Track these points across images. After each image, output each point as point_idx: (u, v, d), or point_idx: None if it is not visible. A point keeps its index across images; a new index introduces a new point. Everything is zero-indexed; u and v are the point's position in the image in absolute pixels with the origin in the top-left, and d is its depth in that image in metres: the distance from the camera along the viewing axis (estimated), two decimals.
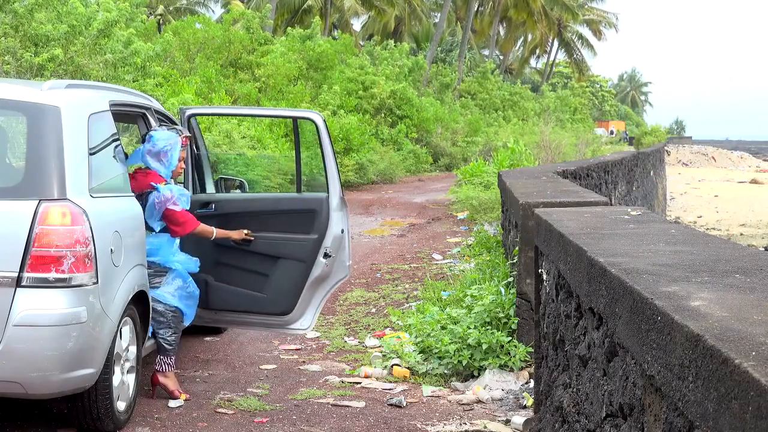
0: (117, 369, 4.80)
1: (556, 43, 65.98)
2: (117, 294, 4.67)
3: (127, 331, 4.93)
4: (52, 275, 4.25)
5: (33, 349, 4.23)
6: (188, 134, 5.79)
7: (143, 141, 5.66)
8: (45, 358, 4.25)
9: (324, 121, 6.15)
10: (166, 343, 5.50)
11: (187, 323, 5.72)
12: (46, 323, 4.23)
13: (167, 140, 5.56)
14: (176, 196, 5.48)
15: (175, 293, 5.55)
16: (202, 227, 5.68)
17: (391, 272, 10.68)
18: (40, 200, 4.31)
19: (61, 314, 4.25)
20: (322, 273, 5.98)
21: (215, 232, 5.77)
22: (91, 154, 4.72)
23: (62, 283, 4.27)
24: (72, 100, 4.76)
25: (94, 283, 4.41)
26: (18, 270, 4.23)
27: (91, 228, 4.39)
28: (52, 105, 4.56)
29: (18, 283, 4.23)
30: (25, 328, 4.21)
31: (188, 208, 5.60)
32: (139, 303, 5.09)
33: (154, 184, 5.48)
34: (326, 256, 5.98)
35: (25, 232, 4.25)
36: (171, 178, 5.63)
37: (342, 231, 6.04)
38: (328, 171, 6.05)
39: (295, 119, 6.57)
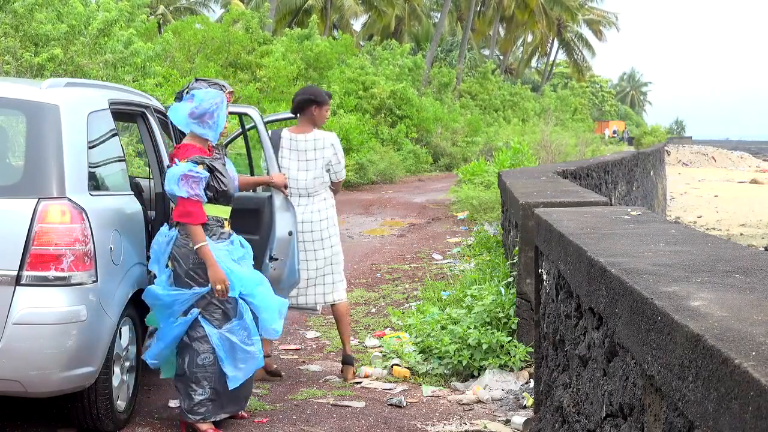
0: (117, 369, 4.80)
1: (556, 43, 66.01)
2: (116, 293, 4.66)
3: (126, 330, 4.92)
4: (51, 273, 4.25)
5: (32, 348, 4.23)
6: (232, 90, 5.12)
7: (179, 99, 4.96)
8: (44, 356, 4.25)
9: (260, 114, 5.91)
10: (191, 404, 4.84)
11: (231, 385, 4.84)
12: (45, 321, 4.23)
13: (213, 99, 4.86)
14: (178, 177, 4.73)
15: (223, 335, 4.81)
16: (199, 233, 4.76)
17: (391, 272, 10.68)
18: (39, 198, 4.31)
19: (61, 312, 4.25)
20: (270, 277, 5.49)
21: (203, 246, 4.77)
22: (90, 152, 4.71)
23: (61, 282, 4.27)
24: (71, 99, 4.76)
25: (94, 282, 4.40)
26: (17, 268, 4.23)
27: (90, 226, 4.39)
28: (51, 103, 4.56)
29: (17, 281, 4.23)
30: (24, 326, 4.21)
31: (199, 193, 4.76)
32: (139, 302, 5.07)
33: (177, 161, 4.80)
34: (272, 259, 5.69)
35: (24, 230, 4.25)
36: (218, 141, 5.07)
37: (290, 233, 5.73)
38: (270, 168, 5.81)
39: (240, 115, 6.28)
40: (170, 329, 4.83)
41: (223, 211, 4.98)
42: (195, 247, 4.75)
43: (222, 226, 4.96)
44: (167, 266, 4.87)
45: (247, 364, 4.88)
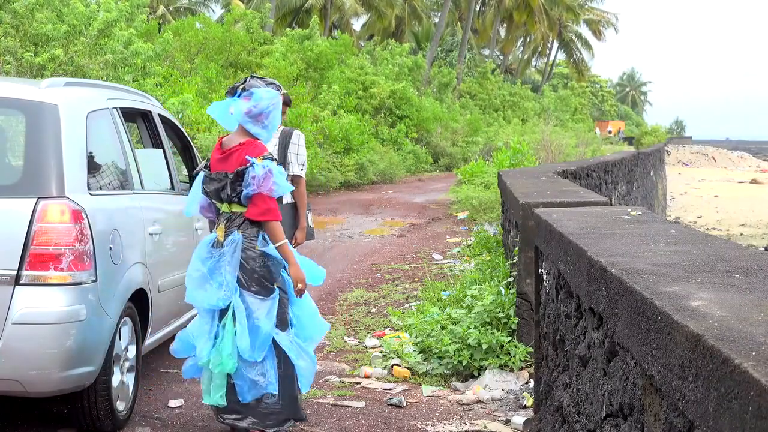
0: (116, 369, 4.79)
1: (556, 44, 66.02)
2: (116, 292, 4.66)
3: (126, 330, 4.91)
4: (50, 273, 4.25)
5: (32, 347, 4.22)
6: (286, 92, 4.84)
7: (233, 94, 4.68)
8: (44, 356, 4.25)
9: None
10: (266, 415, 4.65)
11: (304, 389, 4.80)
12: (45, 321, 4.23)
13: (271, 99, 4.64)
14: (274, 179, 4.52)
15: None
16: (281, 230, 4.60)
17: (391, 272, 10.68)
18: (38, 198, 4.31)
19: (60, 312, 4.25)
20: None
21: (285, 243, 4.61)
22: (89, 151, 4.71)
23: (61, 281, 4.27)
24: (70, 98, 4.76)
25: (93, 281, 4.40)
26: (17, 268, 4.23)
27: (90, 226, 4.38)
28: (50, 103, 4.55)
29: (17, 281, 4.23)
30: (24, 326, 4.21)
31: (275, 190, 4.56)
32: (139, 302, 5.07)
33: (250, 158, 4.51)
34: None
35: (23, 229, 4.24)
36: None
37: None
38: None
39: None
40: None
41: None
42: (277, 245, 4.55)
43: None
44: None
45: (312, 369, 4.79)
